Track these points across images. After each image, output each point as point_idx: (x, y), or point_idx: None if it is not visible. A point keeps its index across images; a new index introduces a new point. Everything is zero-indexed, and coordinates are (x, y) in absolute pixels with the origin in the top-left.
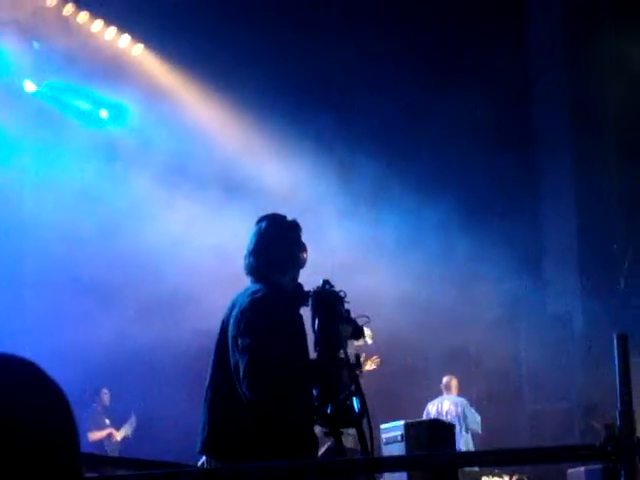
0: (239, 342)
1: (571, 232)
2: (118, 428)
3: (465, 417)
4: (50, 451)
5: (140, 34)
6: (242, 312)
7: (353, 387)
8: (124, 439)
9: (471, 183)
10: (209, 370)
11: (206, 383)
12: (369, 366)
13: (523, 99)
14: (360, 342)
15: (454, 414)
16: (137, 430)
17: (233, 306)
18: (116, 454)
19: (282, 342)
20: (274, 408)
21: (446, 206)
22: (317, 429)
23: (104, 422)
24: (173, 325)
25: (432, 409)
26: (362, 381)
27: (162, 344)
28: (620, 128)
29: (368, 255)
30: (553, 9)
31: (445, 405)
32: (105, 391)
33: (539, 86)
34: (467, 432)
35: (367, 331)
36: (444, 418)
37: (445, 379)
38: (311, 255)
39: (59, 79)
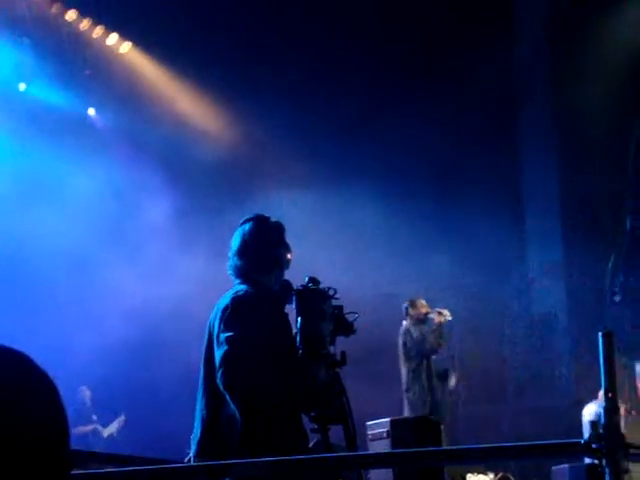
0: (219, 337)
1: (555, 231)
2: (106, 425)
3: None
4: (42, 441)
5: (129, 32)
6: (224, 309)
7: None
8: (110, 437)
9: (455, 184)
10: (199, 375)
11: (197, 389)
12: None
13: (510, 107)
14: (441, 318)
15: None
16: (126, 428)
17: (217, 308)
18: (101, 450)
19: (261, 338)
20: (245, 400)
21: (426, 211)
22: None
23: (91, 417)
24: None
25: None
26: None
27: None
28: (604, 132)
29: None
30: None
31: (585, 409)
32: (83, 388)
33: (524, 91)
34: None
35: (446, 310)
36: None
37: None
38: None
39: (48, 77)
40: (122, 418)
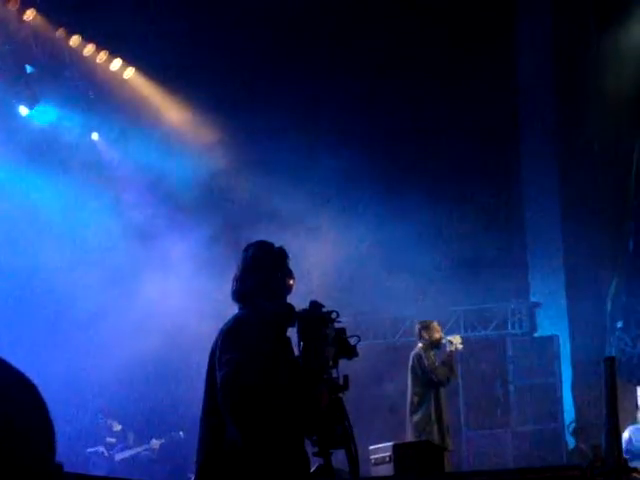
0: (221, 359)
1: (558, 256)
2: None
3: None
4: (24, 439)
5: (131, 57)
6: (225, 332)
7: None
8: (126, 460)
9: (459, 212)
10: (202, 402)
11: (200, 414)
12: (455, 346)
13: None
14: (452, 347)
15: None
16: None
17: (219, 333)
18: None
19: (262, 361)
20: (245, 422)
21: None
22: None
23: (103, 439)
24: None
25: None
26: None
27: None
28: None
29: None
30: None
31: (625, 432)
32: (114, 422)
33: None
34: None
35: (457, 337)
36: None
37: None
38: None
39: (51, 102)
40: (158, 442)
